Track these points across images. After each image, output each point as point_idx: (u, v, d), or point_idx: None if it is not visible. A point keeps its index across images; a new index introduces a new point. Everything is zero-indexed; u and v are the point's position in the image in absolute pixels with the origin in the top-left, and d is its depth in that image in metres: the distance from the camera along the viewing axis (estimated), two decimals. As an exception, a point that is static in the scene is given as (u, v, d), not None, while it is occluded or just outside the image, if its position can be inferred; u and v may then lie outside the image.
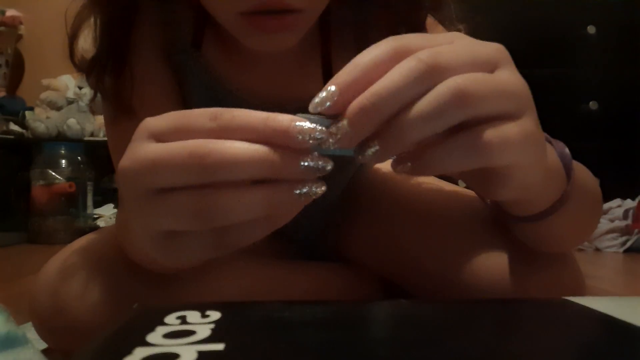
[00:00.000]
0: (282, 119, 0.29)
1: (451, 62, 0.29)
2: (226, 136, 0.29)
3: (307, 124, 0.28)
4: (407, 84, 0.28)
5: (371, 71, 0.29)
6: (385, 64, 0.29)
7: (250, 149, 0.29)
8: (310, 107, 0.29)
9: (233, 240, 0.32)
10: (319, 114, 0.29)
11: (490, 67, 0.31)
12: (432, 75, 0.29)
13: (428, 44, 0.30)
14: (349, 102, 0.29)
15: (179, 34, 0.55)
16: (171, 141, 0.30)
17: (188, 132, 0.30)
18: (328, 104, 0.29)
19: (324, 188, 0.30)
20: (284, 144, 0.29)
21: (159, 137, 0.31)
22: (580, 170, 0.43)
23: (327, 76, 0.56)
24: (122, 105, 0.52)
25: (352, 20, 0.56)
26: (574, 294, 0.34)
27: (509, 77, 0.31)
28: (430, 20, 0.55)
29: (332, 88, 0.29)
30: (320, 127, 0.28)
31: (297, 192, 0.30)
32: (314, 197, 0.30)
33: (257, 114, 0.29)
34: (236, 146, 0.29)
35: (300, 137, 0.28)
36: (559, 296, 0.33)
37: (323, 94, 0.29)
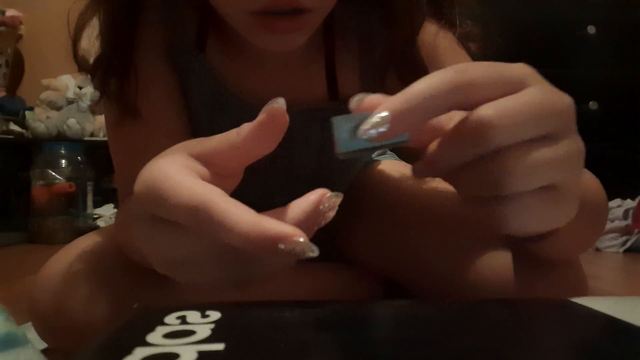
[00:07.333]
0: (269, 231, 0.26)
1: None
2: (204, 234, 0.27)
3: (294, 243, 0.26)
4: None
5: (426, 103, 0.28)
6: (443, 98, 0.28)
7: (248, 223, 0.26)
8: (360, 132, 0.28)
9: (252, 273, 0.30)
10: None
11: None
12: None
13: (492, 81, 0.29)
14: (401, 130, 0.29)
15: (183, 36, 0.54)
16: (162, 219, 0.29)
17: (176, 216, 0.28)
18: (380, 129, 0.28)
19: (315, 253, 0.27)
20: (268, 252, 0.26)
21: (147, 215, 0.30)
22: (585, 180, 0.42)
23: (330, 79, 0.56)
24: (127, 106, 0.52)
25: (355, 24, 0.56)
26: (578, 295, 0.34)
27: (542, 96, 0.29)
28: (434, 28, 0.55)
29: (385, 114, 0.28)
30: (309, 248, 0.26)
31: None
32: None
33: (243, 218, 0.26)
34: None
35: (283, 247, 0.26)
36: (562, 297, 0.33)
37: (375, 119, 0.28)
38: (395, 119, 0.28)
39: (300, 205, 0.29)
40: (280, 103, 0.29)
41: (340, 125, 0.29)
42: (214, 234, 0.27)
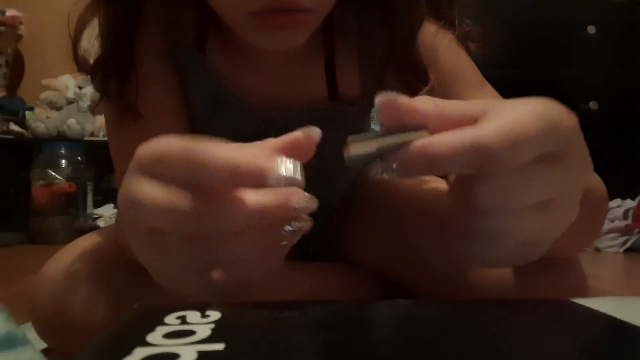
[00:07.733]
0: (256, 164, 0.28)
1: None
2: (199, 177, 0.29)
3: (281, 174, 0.28)
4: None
5: (444, 163, 0.27)
6: (463, 162, 0.27)
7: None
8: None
9: (231, 281, 0.32)
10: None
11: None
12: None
13: (511, 142, 0.27)
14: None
15: (183, 36, 0.54)
16: (155, 174, 0.30)
17: (166, 167, 0.30)
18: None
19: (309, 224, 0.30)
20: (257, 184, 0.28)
21: (145, 170, 0.30)
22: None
23: (330, 79, 0.56)
24: (127, 108, 0.52)
25: (355, 24, 0.56)
26: (578, 295, 0.34)
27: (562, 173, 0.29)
28: (434, 28, 0.55)
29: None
30: (296, 171, 0.29)
31: (287, 229, 0.30)
32: (301, 232, 0.30)
33: (229, 154, 0.28)
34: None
35: (273, 181, 0.28)
36: (562, 296, 0.33)
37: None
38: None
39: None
40: (317, 133, 0.31)
41: (355, 147, 0.29)
42: (200, 173, 0.28)
